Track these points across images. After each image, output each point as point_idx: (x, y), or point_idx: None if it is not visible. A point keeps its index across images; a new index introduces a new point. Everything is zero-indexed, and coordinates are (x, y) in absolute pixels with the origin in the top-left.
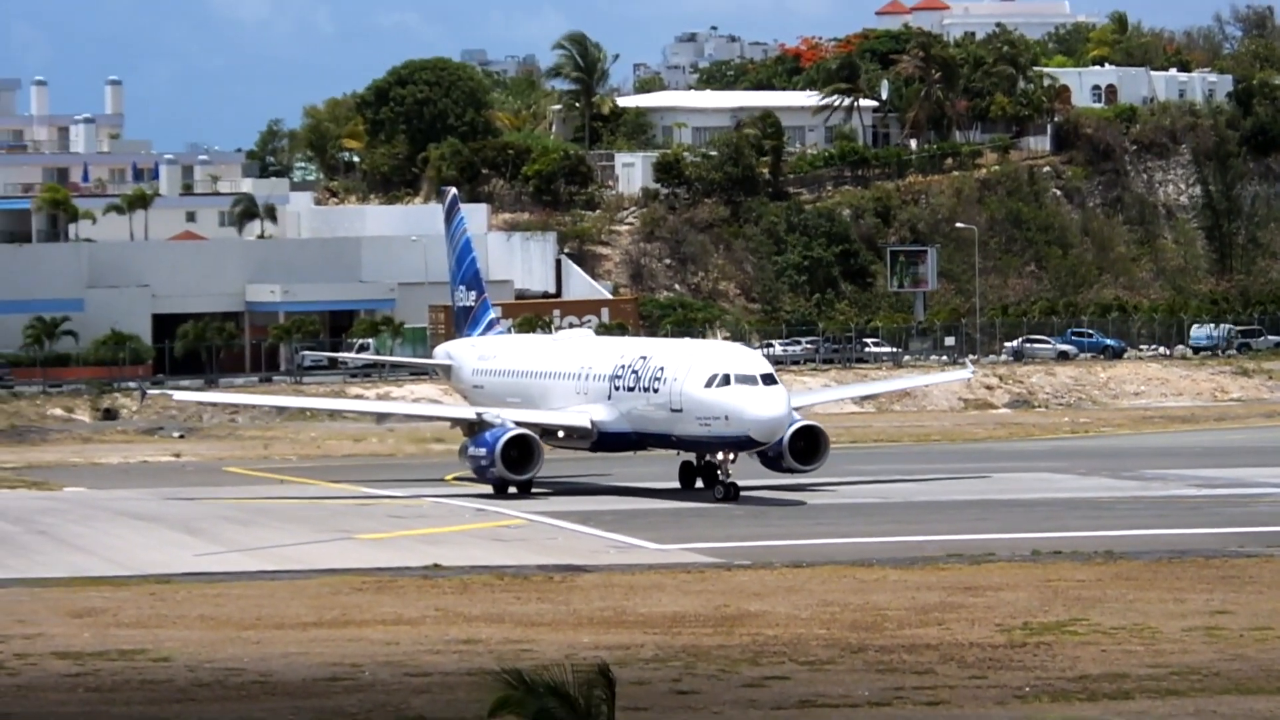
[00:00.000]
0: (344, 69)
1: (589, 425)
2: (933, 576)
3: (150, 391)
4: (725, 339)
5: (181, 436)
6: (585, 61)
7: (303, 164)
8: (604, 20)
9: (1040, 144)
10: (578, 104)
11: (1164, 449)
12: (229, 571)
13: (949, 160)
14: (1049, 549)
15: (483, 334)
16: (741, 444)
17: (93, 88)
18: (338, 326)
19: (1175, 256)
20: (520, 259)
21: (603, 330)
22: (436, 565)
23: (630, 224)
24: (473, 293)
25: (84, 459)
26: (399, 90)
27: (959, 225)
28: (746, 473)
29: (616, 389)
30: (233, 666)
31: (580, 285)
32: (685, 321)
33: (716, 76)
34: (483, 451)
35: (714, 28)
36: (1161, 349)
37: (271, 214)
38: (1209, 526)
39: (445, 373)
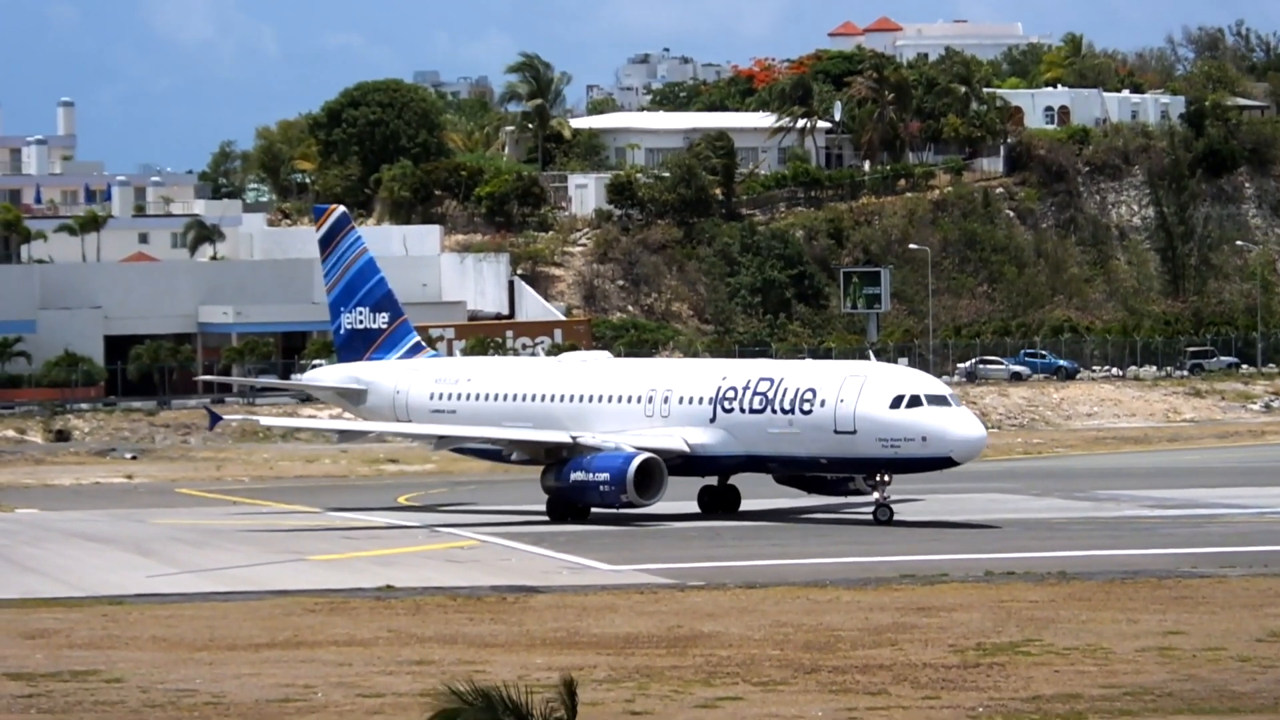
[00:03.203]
0: (292, 91)
1: (684, 448)
2: (886, 597)
3: (226, 418)
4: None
5: (134, 458)
6: (539, 83)
7: (255, 185)
8: (555, 42)
9: (993, 165)
10: (531, 125)
11: (1117, 470)
12: (182, 593)
13: (902, 181)
14: (1002, 569)
15: (404, 357)
16: (935, 465)
17: (45, 109)
18: (290, 348)
19: (1128, 277)
20: (473, 280)
21: (555, 350)
22: (389, 586)
23: (583, 245)
24: (383, 315)
25: (36, 480)
26: (351, 111)
27: (912, 246)
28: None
29: (725, 411)
30: (185, 688)
31: (533, 307)
32: (638, 343)
33: (669, 98)
34: (604, 476)
35: (667, 49)
36: (1114, 370)
37: (220, 235)
38: (1162, 547)
39: (351, 397)
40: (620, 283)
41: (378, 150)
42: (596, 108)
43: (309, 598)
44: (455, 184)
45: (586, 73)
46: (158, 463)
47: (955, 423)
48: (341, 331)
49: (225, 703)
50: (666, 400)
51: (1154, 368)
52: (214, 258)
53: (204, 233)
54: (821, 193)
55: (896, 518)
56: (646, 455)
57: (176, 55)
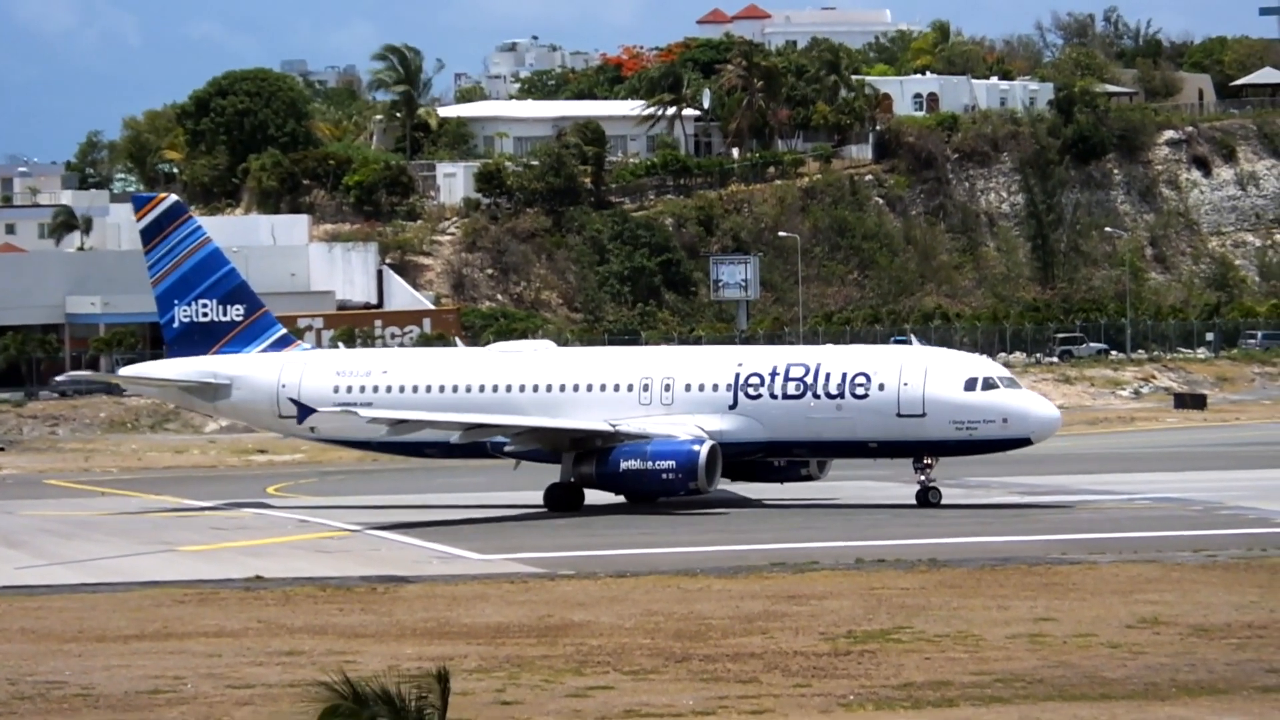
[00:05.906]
0: (158, 80)
1: (702, 435)
2: (756, 585)
3: (322, 410)
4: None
5: (1, 449)
6: (406, 72)
7: (123, 175)
8: (421, 30)
9: (862, 153)
10: (399, 114)
11: (986, 456)
12: (50, 584)
13: (771, 169)
14: (872, 557)
15: (269, 350)
16: (1011, 446)
17: None
18: (157, 338)
19: (998, 264)
20: (342, 270)
21: (425, 340)
22: (259, 577)
23: (452, 234)
24: (236, 307)
25: None
26: (219, 101)
27: (782, 234)
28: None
29: (750, 397)
30: (54, 680)
31: (402, 296)
32: (507, 331)
33: (538, 86)
34: (670, 464)
35: (535, 37)
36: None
37: (88, 225)
38: (1031, 534)
39: (205, 393)
40: (489, 271)
41: (245, 140)
42: (464, 96)
43: (178, 589)
44: (323, 173)
45: (454, 61)
46: (25, 454)
47: (1034, 404)
48: (175, 325)
49: (95, 694)
50: (669, 388)
51: (1024, 354)
52: (81, 248)
53: (70, 222)
54: (691, 180)
55: (768, 503)
56: (712, 442)
57: (40, 45)
